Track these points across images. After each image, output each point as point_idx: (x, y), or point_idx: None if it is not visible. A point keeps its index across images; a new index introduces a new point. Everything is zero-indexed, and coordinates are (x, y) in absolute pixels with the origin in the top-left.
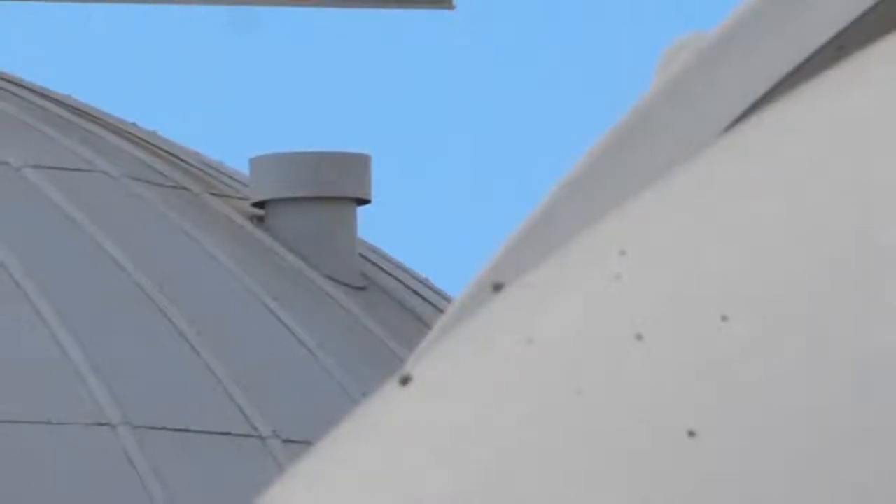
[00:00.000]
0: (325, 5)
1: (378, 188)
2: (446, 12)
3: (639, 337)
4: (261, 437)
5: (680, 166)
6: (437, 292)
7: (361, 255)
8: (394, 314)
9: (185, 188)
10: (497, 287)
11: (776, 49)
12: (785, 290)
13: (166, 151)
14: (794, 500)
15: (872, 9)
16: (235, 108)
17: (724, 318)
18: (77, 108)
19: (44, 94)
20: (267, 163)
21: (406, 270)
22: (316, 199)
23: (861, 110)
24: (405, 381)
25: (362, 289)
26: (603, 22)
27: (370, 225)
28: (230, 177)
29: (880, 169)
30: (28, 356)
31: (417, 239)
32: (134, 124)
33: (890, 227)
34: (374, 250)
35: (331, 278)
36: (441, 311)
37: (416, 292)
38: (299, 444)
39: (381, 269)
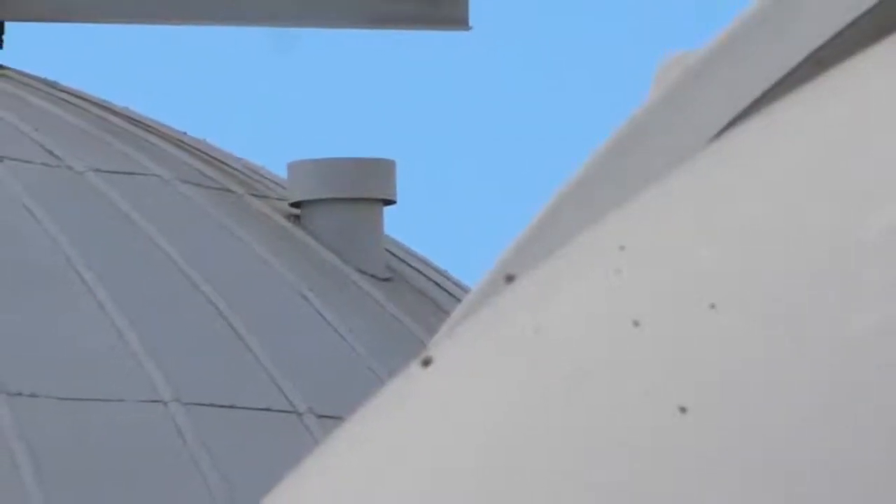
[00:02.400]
0: (355, 27)
1: (402, 190)
2: (463, 33)
3: (636, 324)
4: (297, 413)
5: (673, 170)
6: (456, 283)
7: (387, 250)
8: (416, 303)
9: (229, 190)
10: (509, 279)
11: (760, 64)
12: (768, 281)
13: (212, 157)
14: (775, 470)
15: (848, 27)
16: (275, 119)
17: (713, 307)
18: (134, 119)
19: (105, 107)
20: (303, 167)
21: (427, 263)
22: (347, 199)
23: (837, 119)
24: (426, 362)
25: (388, 280)
26: (603, 37)
27: (395, 223)
28: (270, 180)
29: (855, 172)
30: (89, 340)
31: (438, 235)
32: (184, 133)
33: (863, 225)
34: (399, 246)
35: (360, 271)
36: (459, 300)
37: (436, 283)
38: (332, 418)
39: (405, 262)
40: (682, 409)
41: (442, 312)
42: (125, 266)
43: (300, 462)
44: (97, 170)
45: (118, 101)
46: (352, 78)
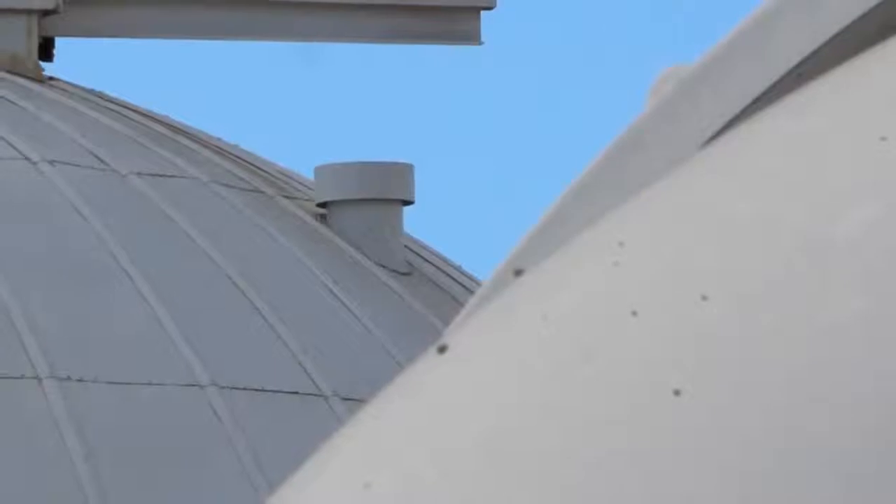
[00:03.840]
0: (376, 42)
1: (420, 191)
2: (475, 47)
3: (634, 313)
4: (324, 396)
5: (667, 174)
6: (469, 277)
7: (406, 247)
8: (433, 295)
9: (260, 191)
10: (518, 272)
11: (746, 77)
12: (753, 274)
13: (246, 161)
14: (760, 446)
15: (826, 44)
16: (303, 125)
17: (704, 298)
18: (172, 126)
19: (146, 115)
20: (329, 170)
21: (443, 259)
22: (369, 200)
23: (816, 128)
24: (442, 349)
25: (407, 274)
26: (602, 51)
27: (414, 222)
28: (298, 182)
29: (829, 176)
30: (132, 329)
31: (453, 233)
32: (220, 139)
33: (836, 224)
34: (417, 242)
35: (381, 265)
36: (472, 293)
37: (451, 277)
38: (355, 401)
39: (423, 258)
40: (676, 392)
41: (456, 303)
42: (165, 261)
43: (325, 440)
44: (139, 173)
45: (158, 110)
46: (373, 88)
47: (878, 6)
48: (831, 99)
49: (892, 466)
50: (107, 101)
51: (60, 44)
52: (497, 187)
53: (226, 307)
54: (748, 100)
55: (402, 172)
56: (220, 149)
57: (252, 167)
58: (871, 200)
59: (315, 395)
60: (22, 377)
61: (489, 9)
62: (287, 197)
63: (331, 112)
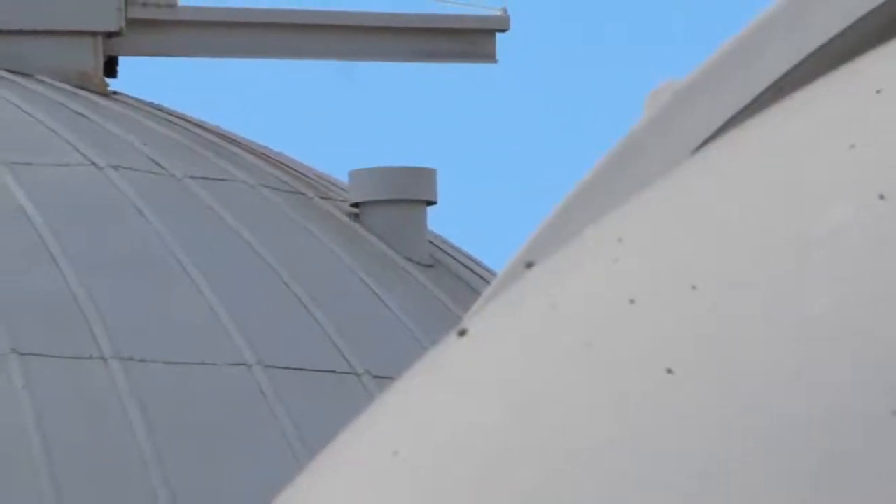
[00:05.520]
0: (404, 61)
1: (442, 193)
2: (491, 65)
3: (631, 301)
4: (356, 374)
5: (662, 177)
6: (486, 268)
7: (430, 242)
8: (453, 285)
9: (301, 193)
10: (529, 265)
11: (732, 91)
12: (739, 267)
13: (288, 166)
14: (746, 422)
15: (804, 61)
16: (339, 134)
17: (694, 288)
18: (223, 135)
19: (199, 125)
20: (361, 174)
21: (463, 252)
22: (397, 200)
23: (794, 136)
24: (462, 333)
25: (430, 266)
26: (601, 65)
27: (436, 220)
28: (334, 184)
29: (808, 179)
30: (187, 315)
31: (471, 230)
32: (265, 146)
33: (814, 222)
34: (440, 238)
35: (407, 259)
36: (488, 283)
37: (470, 269)
38: (384, 378)
39: (445, 251)
40: (669, 371)
41: (474, 293)
42: (216, 254)
43: (358, 414)
44: (193, 176)
45: (210, 121)
46: (401, 101)
47: (847, 29)
48: (807, 111)
49: (860, 442)
50: (164, 112)
51: (123, 62)
52: (510, 189)
53: (270, 295)
54: (734, 111)
55: (427, 176)
56: (265, 155)
57: (293, 171)
58: (844, 201)
59: (349, 373)
60: (90, 357)
61: (503, 31)
62: (324, 198)
63: (364, 122)
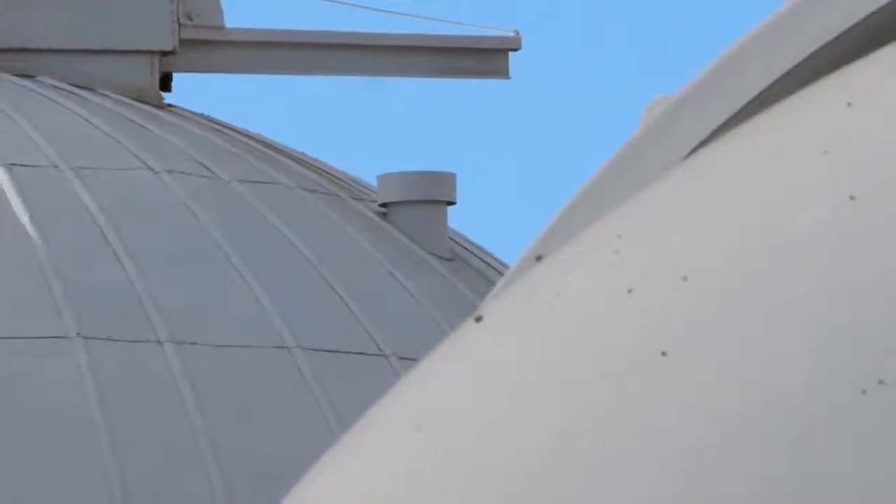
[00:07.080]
0: (425, 77)
1: (462, 195)
2: (505, 81)
3: (629, 290)
4: (384, 356)
5: (656, 180)
6: (500, 262)
7: (450, 238)
8: (471, 276)
9: (335, 195)
10: (538, 258)
11: (718, 104)
12: (725, 260)
13: (323, 170)
14: (732, 398)
15: (783, 76)
16: (368, 141)
17: (685, 278)
18: (266, 142)
19: (244, 133)
20: (389, 178)
21: (480, 248)
22: (421, 201)
23: (774, 143)
24: (478, 319)
25: (451, 260)
26: (602, 80)
27: (456, 219)
28: (365, 187)
29: (786, 182)
30: (234, 303)
31: (487, 227)
32: (303, 153)
33: (794, 219)
34: (459, 235)
35: (430, 253)
36: (502, 274)
37: (485, 262)
38: (410, 359)
39: (464, 247)
40: (664, 353)
41: (490, 283)
42: (260, 249)
43: (386, 392)
44: (239, 180)
45: (254, 129)
46: (424, 113)
47: (823, 48)
48: (785, 121)
49: (833, 414)
50: (213, 122)
51: (177, 78)
52: (522, 190)
53: (308, 285)
54: (721, 121)
55: (447, 179)
56: (303, 160)
57: (328, 175)
58: (818, 201)
59: (378, 355)
60: (147, 341)
61: (516, 50)
62: (355, 199)
63: (391, 131)
